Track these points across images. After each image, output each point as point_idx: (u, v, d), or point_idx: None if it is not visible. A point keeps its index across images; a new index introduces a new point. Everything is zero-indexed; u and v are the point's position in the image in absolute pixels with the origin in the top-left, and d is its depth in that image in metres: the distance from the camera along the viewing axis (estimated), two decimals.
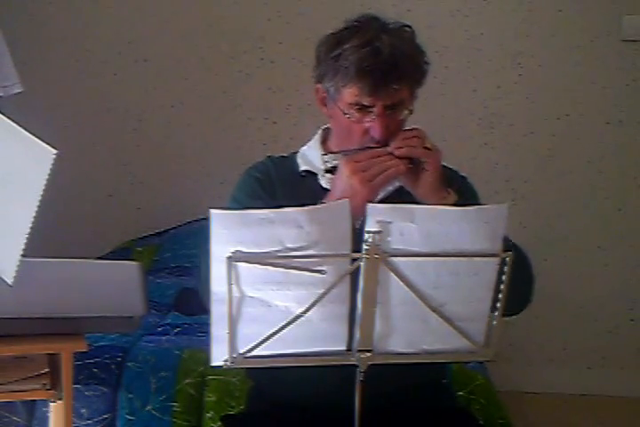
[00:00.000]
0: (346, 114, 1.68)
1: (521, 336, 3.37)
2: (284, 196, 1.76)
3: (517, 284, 1.47)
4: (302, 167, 1.82)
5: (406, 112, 1.70)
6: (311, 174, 1.81)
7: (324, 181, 1.78)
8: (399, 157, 1.62)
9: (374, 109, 1.66)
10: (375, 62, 1.63)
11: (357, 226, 1.43)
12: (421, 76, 1.72)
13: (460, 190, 1.76)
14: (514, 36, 3.35)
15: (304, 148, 1.86)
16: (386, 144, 1.65)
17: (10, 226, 1.48)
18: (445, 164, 1.82)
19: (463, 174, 1.86)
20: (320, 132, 1.86)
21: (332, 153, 1.77)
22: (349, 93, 1.66)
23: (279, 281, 1.41)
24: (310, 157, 1.83)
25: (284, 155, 1.87)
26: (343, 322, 1.45)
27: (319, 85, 1.74)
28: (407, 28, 1.72)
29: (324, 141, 1.83)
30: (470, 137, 3.42)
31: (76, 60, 3.43)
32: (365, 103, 1.66)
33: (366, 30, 1.68)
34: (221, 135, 3.47)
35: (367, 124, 1.67)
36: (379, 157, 1.62)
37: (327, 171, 1.77)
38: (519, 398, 3.22)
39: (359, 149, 1.67)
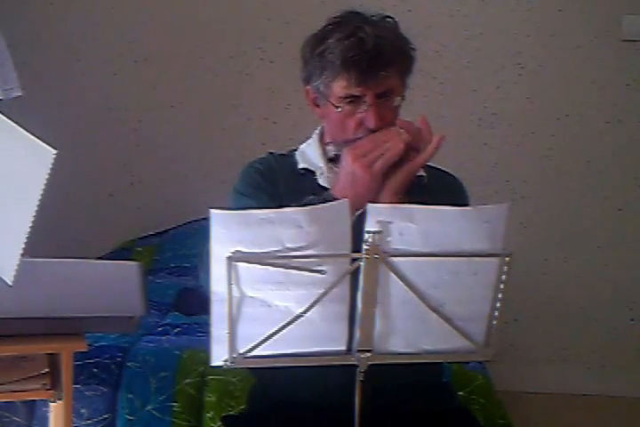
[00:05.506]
0: (338, 107, 1.68)
1: (521, 336, 3.37)
2: (286, 190, 1.76)
3: None
4: (301, 165, 1.81)
5: (399, 99, 1.70)
6: (309, 172, 1.80)
7: (321, 180, 1.77)
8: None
9: (366, 99, 1.66)
10: (360, 52, 1.64)
11: (353, 219, 1.42)
12: (410, 62, 1.73)
13: (449, 187, 1.76)
14: (514, 36, 3.35)
15: (303, 145, 1.86)
16: None
17: (10, 226, 1.48)
18: (434, 165, 1.81)
19: (452, 174, 1.87)
20: (319, 129, 1.85)
21: (335, 142, 1.75)
22: (339, 86, 1.66)
23: (279, 281, 1.41)
24: (309, 155, 1.82)
25: (283, 153, 1.87)
26: (343, 322, 1.45)
27: (308, 87, 1.74)
28: (389, 19, 1.73)
29: (322, 139, 1.83)
30: (470, 137, 3.41)
31: (76, 60, 3.43)
32: (356, 94, 1.66)
33: (348, 23, 1.69)
34: (221, 135, 3.47)
35: (360, 115, 1.67)
36: (379, 140, 1.61)
37: (330, 159, 1.77)
38: (519, 398, 3.22)
39: (360, 138, 1.66)
